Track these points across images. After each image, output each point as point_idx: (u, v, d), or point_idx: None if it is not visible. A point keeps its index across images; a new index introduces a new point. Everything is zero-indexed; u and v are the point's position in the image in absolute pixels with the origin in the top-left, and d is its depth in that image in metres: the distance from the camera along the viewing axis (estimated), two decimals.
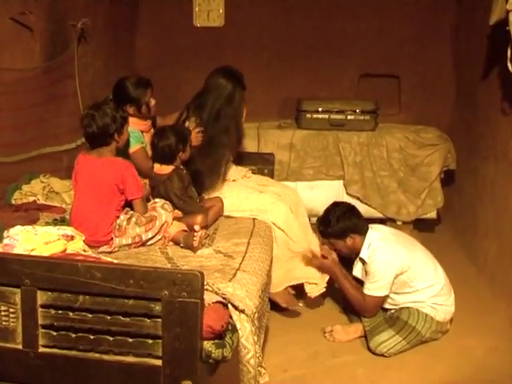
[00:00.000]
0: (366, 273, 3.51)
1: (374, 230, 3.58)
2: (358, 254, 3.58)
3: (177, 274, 1.91)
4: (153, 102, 3.68)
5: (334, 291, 4.03)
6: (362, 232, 3.54)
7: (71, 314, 2.02)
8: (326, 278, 3.75)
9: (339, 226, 3.54)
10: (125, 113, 3.19)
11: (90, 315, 2.00)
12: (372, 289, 3.45)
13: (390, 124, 5.27)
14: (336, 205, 3.68)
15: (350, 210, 3.64)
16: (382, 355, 3.37)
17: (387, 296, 3.50)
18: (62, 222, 3.30)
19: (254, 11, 5.65)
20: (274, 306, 3.71)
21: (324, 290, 3.74)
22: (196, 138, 3.63)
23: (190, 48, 5.72)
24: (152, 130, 3.80)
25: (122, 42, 5.43)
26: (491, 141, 4.40)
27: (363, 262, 3.53)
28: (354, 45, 5.63)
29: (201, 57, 5.64)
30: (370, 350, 3.42)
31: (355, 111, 4.99)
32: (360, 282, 3.61)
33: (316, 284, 3.70)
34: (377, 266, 3.42)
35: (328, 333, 3.59)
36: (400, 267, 3.40)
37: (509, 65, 3.62)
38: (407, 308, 3.48)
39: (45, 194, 3.70)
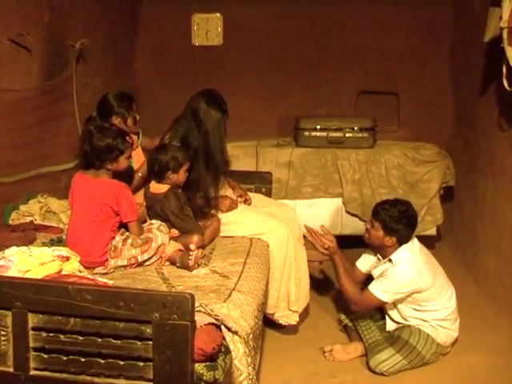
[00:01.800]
0: (383, 274, 3.44)
1: (411, 244, 3.49)
2: (380, 252, 3.56)
3: (167, 296, 1.90)
4: (138, 116, 3.72)
5: (331, 309, 4.03)
6: (402, 243, 3.46)
7: (62, 336, 2.00)
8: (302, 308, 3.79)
9: (396, 225, 3.43)
10: (126, 143, 3.08)
11: (81, 338, 1.99)
12: (378, 288, 3.37)
13: (389, 141, 5.29)
14: (409, 206, 3.55)
15: (415, 222, 3.55)
16: (382, 374, 3.33)
17: (382, 304, 3.45)
18: (58, 242, 3.29)
19: (252, 30, 5.70)
20: (271, 324, 3.72)
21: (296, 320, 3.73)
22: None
23: (189, 67, 5.77)
24: (139, 147, 3.82)
25: (121, 61, 5.46)
26: (490, 157, 4.41)
27: (389, 262, 3.47)
28: (353, 62, 5.67)
29: (200, 75, 5.68)
30: (369, 368, 3.38)
31: (353, 129, 5.00)
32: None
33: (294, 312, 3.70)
34: (397, 275, 3.36)
35: (328, 352, 3.56)
36: (418, 287, 3.35)
37: (504, 81, 3.63)
38: (408, 327, 3.45)
39: (42, 214, 3.69)
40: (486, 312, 4.06)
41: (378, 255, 3.63)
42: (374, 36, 5.61)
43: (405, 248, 3.45)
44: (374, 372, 3.35)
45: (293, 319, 3.69)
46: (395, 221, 3.43)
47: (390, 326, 3.58)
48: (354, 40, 5.64)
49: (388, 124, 5.53)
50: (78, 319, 1.97)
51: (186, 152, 3.45)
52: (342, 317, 3.82)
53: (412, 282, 3.34)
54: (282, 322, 3.68)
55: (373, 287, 3.40)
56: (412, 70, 5.63)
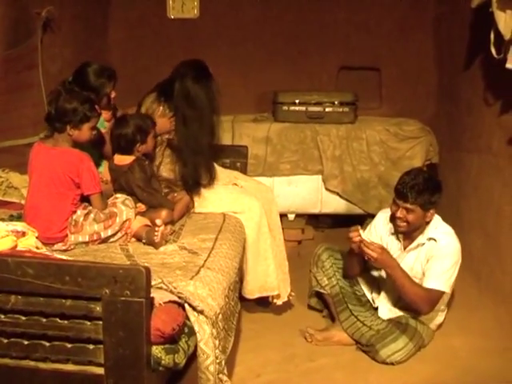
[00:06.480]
0: (432, 258, 3.18)
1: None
2: (413, 233, 3.28)
3: (118, 269, 1.72)
4: (113, 94, 3.51)
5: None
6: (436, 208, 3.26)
7: (2, 316, 1.85)
8: (288, 290, 3.68)
9: (433, 196, 3.16)
10: (94, 112, 2.91)
11: (24, 318, 1.83)
12: (438, 281, 3.14)
13: (371, 117, 5.14)
14: (422, 171, 3.39)
15: (439, 181, 3.30)
16: (391, 364, 3.14)
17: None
18: (18, 218, 3.11)
19: (230, 2, 5.50)
20: (248, 306, 3.62)
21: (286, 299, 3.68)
22: (170, 123, 3.50)
23: (164, 40, 5.57)
24: (113, 120, 3.62)
25: (94, 33, 5.25)
26: (475, 133, 4.28)
27: (430, 242, 3.24)
28: (334, 36, 5.49)
29: (175, 49, 5.48)
30: (375, 359, 3.18)
31: (334, 103, 4.84)
32: None
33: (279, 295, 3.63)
34: (446, 248, 3.16)
35: (309, 335, 3.39)
36: (459, 261, 3.21)
37: (492, 49, 3.50)
38: (409, 316, 3.30)
39: (3, 189, 3.57)
40: (471, 292, 3.93)
41: (401, 240, 3.36)
42: (356, 10, 5.43)
43: (437, 221, 3.27)
44: (383, 362, 3.15)
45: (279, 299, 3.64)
46: (430, 193, 3.16)
47: (384, 314, 3.40)
48: (334, 14, 5.46)
49: (370, 101, 5.37)
50: (20, 297, 1.81)
51: (147, 117, 3.32)
52: (325, 282, 3.56)
53: (458, 254, 3.19)
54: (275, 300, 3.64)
55: (434, 283, 3.15)
56: (394, 45, 5.46)
